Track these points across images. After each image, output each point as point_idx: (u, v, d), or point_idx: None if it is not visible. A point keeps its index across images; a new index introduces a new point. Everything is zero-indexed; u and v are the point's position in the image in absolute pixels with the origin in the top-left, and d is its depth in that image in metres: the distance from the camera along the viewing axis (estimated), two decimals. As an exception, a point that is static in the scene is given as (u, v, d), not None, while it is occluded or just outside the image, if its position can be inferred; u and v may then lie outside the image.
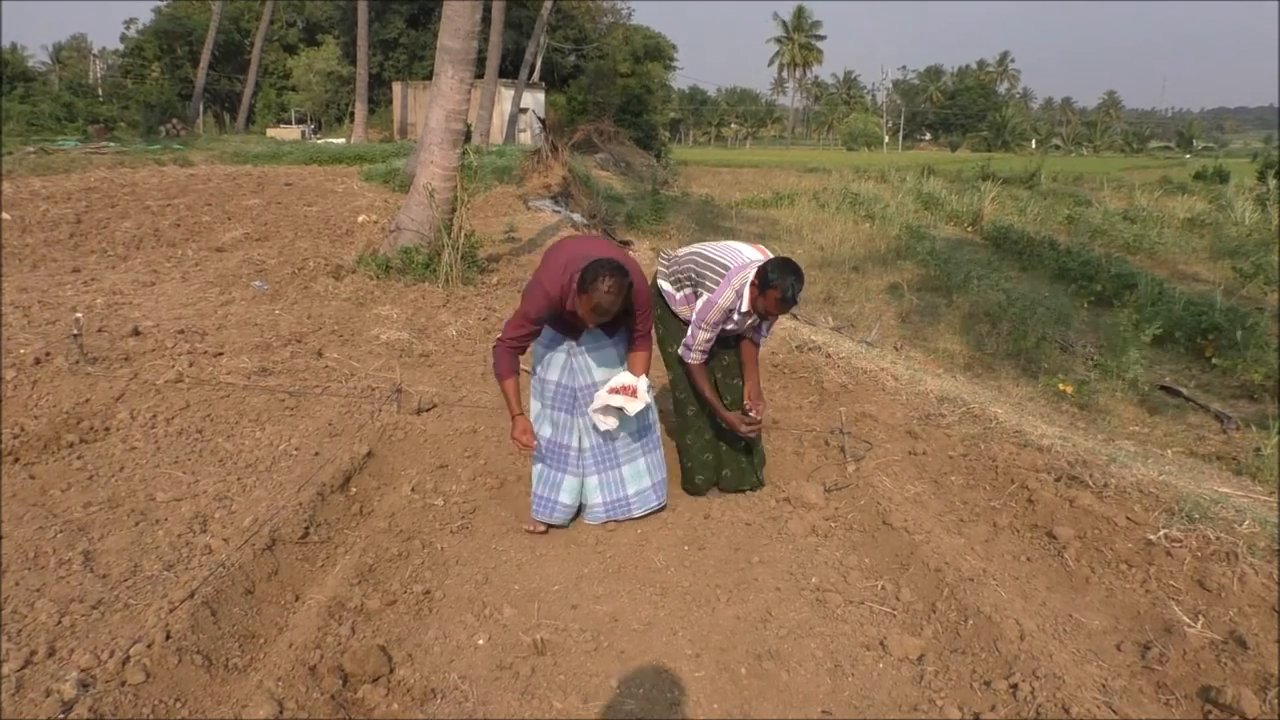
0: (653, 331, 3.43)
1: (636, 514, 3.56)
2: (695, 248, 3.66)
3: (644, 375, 3.28)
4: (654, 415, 3.59)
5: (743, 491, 3.85)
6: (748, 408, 3.64)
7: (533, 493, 3.50)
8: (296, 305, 6.67)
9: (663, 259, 3.78)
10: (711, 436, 3.79)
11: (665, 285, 3.70)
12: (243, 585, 2.79)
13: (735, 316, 3.43)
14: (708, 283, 3.45)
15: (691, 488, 3.84)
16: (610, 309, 2.93)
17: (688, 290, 3.60)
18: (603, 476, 3.47)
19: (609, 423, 3.31)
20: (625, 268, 2.96)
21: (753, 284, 3.33)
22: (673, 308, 3.69)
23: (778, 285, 3.22)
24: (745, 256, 3.48)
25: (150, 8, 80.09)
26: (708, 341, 3.48)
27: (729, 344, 3.69)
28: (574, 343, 3.32)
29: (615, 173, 24.43)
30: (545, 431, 3.44)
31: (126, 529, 3.17)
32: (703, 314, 3.42)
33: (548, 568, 3.23)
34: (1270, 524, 3.12)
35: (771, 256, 3.43)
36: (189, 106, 31.11)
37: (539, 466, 3.48)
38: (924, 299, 11.46)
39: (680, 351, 3.56)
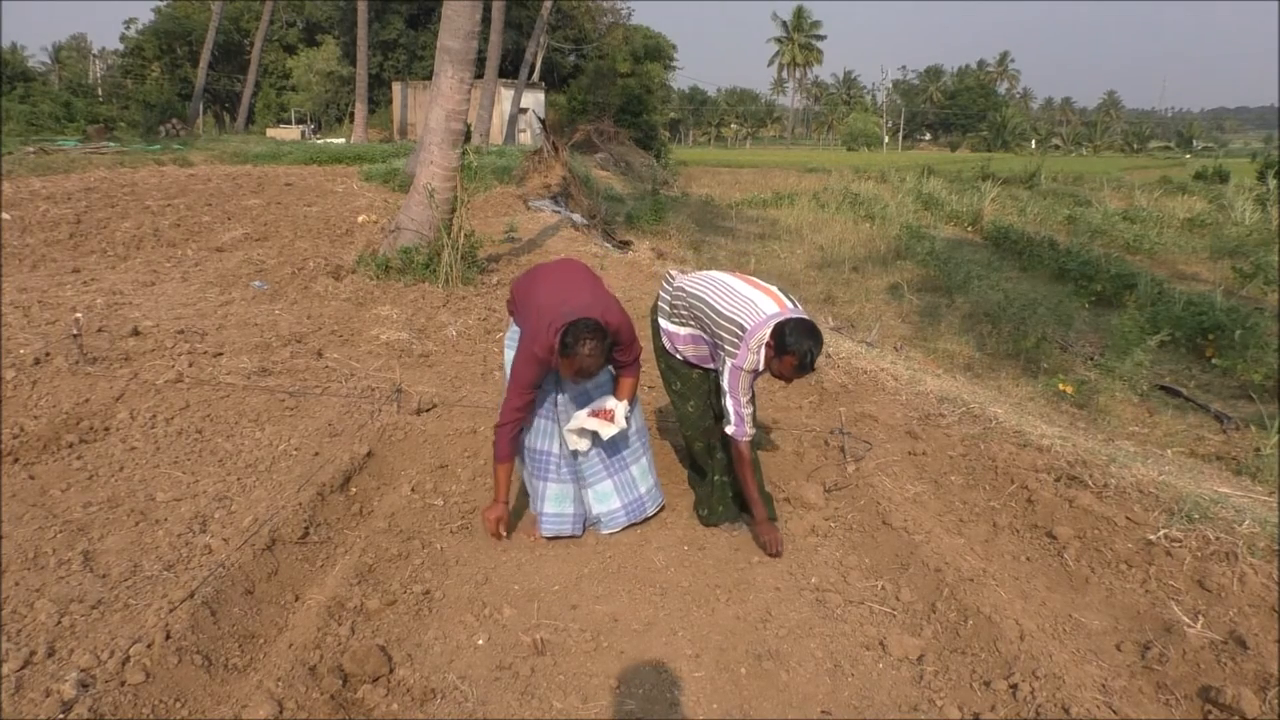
0: (640, 359, 3.32)
1: (650, 512, 3.55)
2: (699, 288, 3.33)
3: (624, 401, 3.26)
4: (642, 418, 3.58)
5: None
6: None
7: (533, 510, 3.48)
8: (296, 305, 6.67)
9: (663, 291, 3.52)
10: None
11: (666, 324, 3.46)
12: (242, 585, 2.79)
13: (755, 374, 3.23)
14: (725, 346, 3.17)
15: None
16: (593, 371, 2.97)
17: (693, 329, 3.36)
18: (616, 479, 3.45)
19: (582, 444, 3.27)
20: (604, 326, 2.94)
21: (768, 344, 3.06)
22: (675, 344, 3.45)
23: (795, 350, 2.98)
24: (760, 310, 3.14)
25: (150, 8, 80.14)
26: (752, 416, 3.26)
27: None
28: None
29: (615, 173, 24.44)
30: (527, 440, 3.40)
31: (126, 529, 3.16)
32: (734, 386, 3.16)
33: (547, 568, 3.23)
34: (1270, 524, 3.12)
35: (788, 307, 3.16)
36: (189, 106, 31.11)
37: (532, 484, 3.46)
38: (924, 299, 11.45)
39: (732, 432, 3.24)
